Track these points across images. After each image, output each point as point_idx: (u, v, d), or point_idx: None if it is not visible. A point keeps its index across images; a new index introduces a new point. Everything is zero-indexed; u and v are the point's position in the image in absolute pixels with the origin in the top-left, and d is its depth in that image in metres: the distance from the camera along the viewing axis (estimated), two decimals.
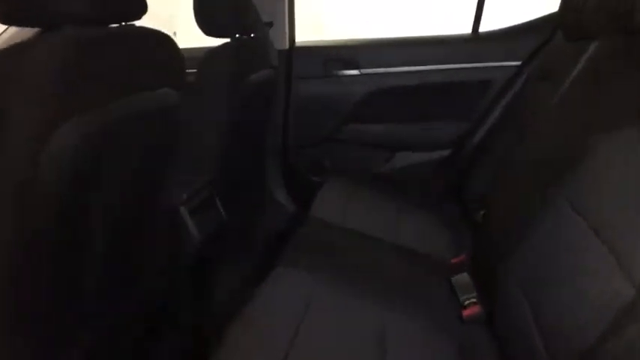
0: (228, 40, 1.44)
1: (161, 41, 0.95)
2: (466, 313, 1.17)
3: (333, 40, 2.00)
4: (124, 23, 0.87)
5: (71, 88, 0.72)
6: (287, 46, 1.88)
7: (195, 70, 1.38)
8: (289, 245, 1.31)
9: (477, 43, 1.89)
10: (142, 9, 0.88)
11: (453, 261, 1.40)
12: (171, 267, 1.25)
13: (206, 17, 1.35)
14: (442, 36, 1.95)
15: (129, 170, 0.91)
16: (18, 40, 0.71)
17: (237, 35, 1.45)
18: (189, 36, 1.66)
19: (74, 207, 0.77)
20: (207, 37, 1.39)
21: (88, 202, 0.80)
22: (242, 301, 1.02)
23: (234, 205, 1.51)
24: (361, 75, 1.89)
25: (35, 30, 0.77)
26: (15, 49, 0.69)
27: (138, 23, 0.91)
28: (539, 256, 0.91)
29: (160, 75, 0.95)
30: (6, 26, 1.06)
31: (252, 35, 1.54)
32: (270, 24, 1.76)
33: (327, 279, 1.14)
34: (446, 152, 1.94)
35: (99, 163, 0.79)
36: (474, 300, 1.19)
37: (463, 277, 1.26)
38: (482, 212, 1.39)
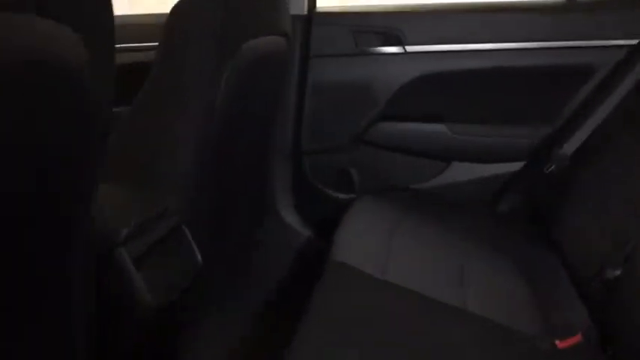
0: None
1: None
2: None
3: (368, 6, 1.47)
4: None
5: None
6: (305, 10, 1.37)
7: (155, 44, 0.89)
8: (300, 315, 0.82)
9: (573, 13, 1.35)
10: None
11: (561, 345, 0.88)
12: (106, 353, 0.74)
13: None
14: (522, 2, 1.42)
15: None
16: None
17: None
18: None
19: None
20: None
21: None
22: None
23: (217, 240, 1.00)
24: (406, 54, 1.36)
25: None
26: None
27: None
28: None
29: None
30: None
31: None
32: None
33: None
34: (518, 165, 1.41)
35: None
36: None
37: None
38: (616, 273, 0.86)
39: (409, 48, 1.36)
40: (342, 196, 1.49)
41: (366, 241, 1.09)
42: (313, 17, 1.38)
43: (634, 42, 1.26)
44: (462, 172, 1.45)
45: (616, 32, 1.28)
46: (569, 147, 1.26)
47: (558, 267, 1.10)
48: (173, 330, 0.96)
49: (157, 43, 0.91)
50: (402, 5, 1.47)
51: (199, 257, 0.89)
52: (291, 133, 1.45)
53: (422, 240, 1.17)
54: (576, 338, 0.88)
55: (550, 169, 1.28)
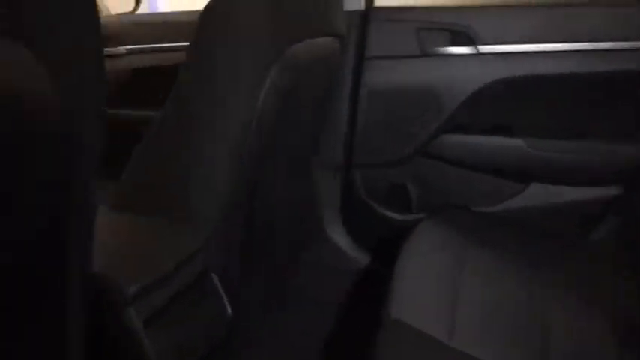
0: None
1: None
2: None
3: (434, 0, 1.28)
4: None
5: None
6: (362, 5, 1.19)
7: (186, 44, 0.77)
8: None
9: None
10: None
11: None
12: None
13: None
14: None
15: None
16: None
17: None
18: None
19: None
20: None
21: None
22: None
23: (251, 284, 0.85)
24: (479, 55, 1.17)
25: None
26: None
27: None
28: None
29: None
30: None
31: None
32: None
33: None
34: (612, 190, 1.19)
35: None
36: None
37: None
38: None
39: (482, 49, 1.16)
40: (397, 215, 1.32)
41: (430, 287, 0.91)
42: (371, 13, 1.20)
43: None
44: (539, 194, 1.24)
45: None
46: None
47: None
48: None
49: (187, 44, 0.78)
50: None
51: (229, 308, 0.75)
52: (342, 144, 1.29)
53: (496, 281, 0.98)
54: None
55: None
